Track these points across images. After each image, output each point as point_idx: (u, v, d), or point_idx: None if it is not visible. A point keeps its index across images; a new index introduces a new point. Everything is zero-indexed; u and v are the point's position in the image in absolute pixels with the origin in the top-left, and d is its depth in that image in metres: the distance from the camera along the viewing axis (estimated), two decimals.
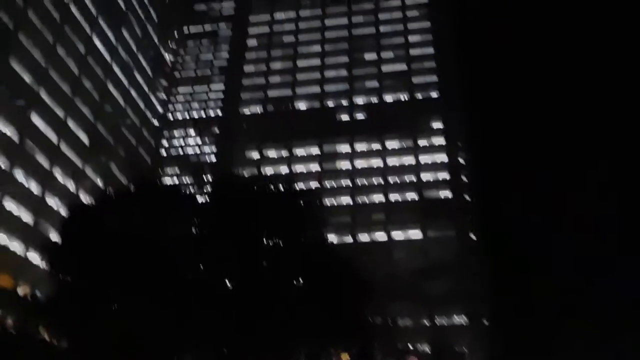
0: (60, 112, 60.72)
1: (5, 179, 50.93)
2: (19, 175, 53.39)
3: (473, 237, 73.40)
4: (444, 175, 79.98)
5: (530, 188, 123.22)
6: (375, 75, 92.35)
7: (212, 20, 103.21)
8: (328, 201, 79.63)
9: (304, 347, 28.57)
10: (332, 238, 70.07)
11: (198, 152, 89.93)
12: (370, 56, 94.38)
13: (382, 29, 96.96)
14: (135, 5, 79.79)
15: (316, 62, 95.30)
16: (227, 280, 28.45)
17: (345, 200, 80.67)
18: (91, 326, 25.32)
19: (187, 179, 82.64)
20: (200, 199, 33.21)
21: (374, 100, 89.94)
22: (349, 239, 74.61)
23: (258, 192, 30.37)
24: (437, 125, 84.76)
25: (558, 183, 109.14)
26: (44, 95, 57.97)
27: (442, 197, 78.15)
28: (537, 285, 75.61)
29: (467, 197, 77.39)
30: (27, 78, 55.36)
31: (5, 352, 29.03)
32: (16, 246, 51.11)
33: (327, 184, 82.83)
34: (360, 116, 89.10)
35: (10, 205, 51.47)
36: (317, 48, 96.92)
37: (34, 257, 48.98)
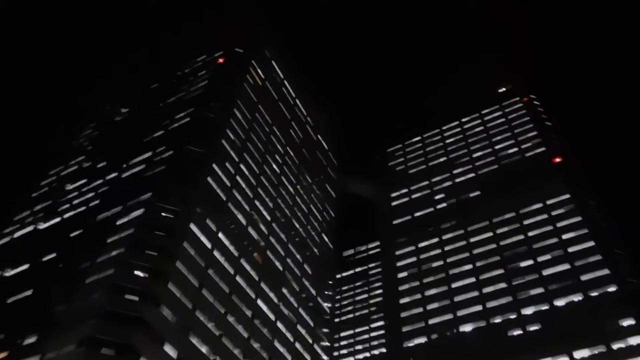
0: None
1: None
2: None
3: None
4: None
5: None
6: (537, 281, 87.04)
7: (361, 262, 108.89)
8: None
9: None
10: None
11: None
12: (526, 263, 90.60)
13: (531, 233, 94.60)
14: (291, 265, 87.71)
15: (471, 280, 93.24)
16: None
17: None
18: None
19: None
20: None
21: (544, 307, 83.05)
22: None
23: None
24: (627, 322, 74.39)
25: None
26: None
27: None
28: None
29: None
30: (204, 350, 60.57)
31: None
32: None
33: None
34: (534, 327, 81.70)
35: None
36: (468, 266, 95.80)
37: None
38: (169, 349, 55.40)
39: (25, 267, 72.51)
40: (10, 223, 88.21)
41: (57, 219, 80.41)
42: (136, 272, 58.85)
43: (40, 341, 55.10)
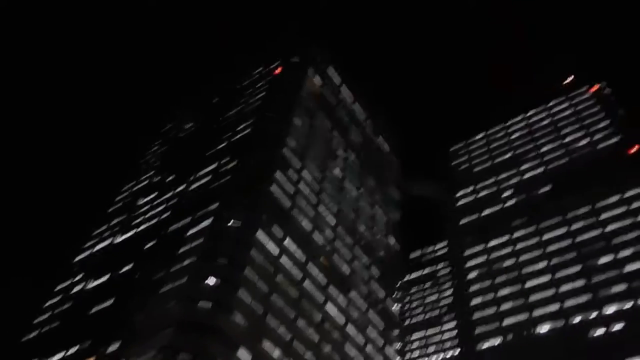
0: None
1: None
2: None
3: None
4: None
5: None
6: (619, 277, 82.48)
7: (429, 263, 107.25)
8: None
9: None
10: None
11: None
12: (605, 259, 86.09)
13: (609, 228, 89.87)
14: (358, 268, 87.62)
15: (546, 278, 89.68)
16: None
17: None
18: None
19: None
20: None
21: (628, 305, 78.49)
22: None
23: None
24: None
25: None
26: None
27: None
28: None
29: None
30: (276, 354, 61.58)
31: None
32: None
33: None
34: (617, 327, 77.40)
35: None
36: (542, 264, 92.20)
37: None
38: (243, 354, 56.74)
39: (105, 278, 76.52)
40: (89, 238, 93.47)
41: (132, 232, 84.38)
42: (207, 281, 60.76)
43: (123, 348, 57.87)
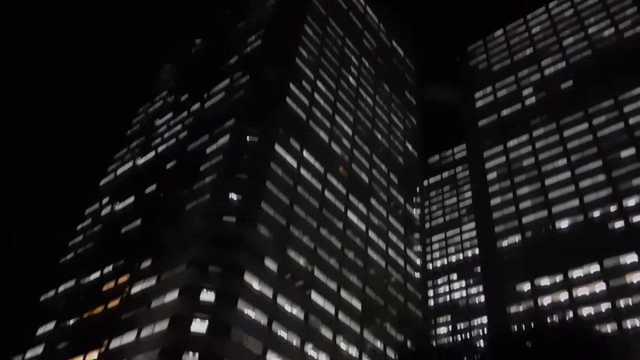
0: (333, 286, 67.33)
1: (300, 354, 56.90)
2: (310, 349, 59.07)
3: None
4: None
5: None
6: None
7: (447, 167, 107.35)
8: (629, 323, 68.56)
9: None
10: None
11: (465, 295, 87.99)
12: (627, 152, 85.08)
13: (632, 120, 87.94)
14: (376, 176, 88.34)
15: (566, 175, 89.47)
16: None
17: None
18: None
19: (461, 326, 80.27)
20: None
21: None
22: None
23: (537, 331, 27.24)
24: None
25: None
26: (317, 274, 65.61)
27: None
28: None
29: None
30: (302, 262, 64.01)
31: None
32: None
33: (622, 303, 71.59)
34: (637, 218, 78.01)
35: None
36: (562, 161, 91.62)
37: None
38: (270, 263, 59.08)
39: (131, 200, 78.70)
40: (111, 161, 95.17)
41: (152, 153, 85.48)
42: (230, 196, 62.09)
43: (155, 264, 60.64)
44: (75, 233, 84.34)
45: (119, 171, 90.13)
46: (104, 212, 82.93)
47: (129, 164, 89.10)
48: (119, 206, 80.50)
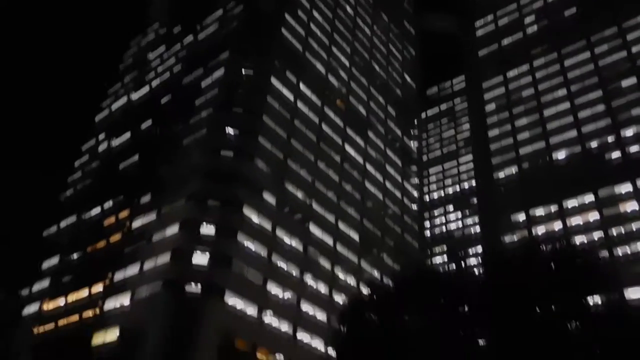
0: (331, 218, 68.33)
1: (299, 284, 58.62)
2: (309, 279, 60.76)
3: None
4: None
5: None
6: None
7: (446, 99, 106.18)
8: (621, 250, 70.18)
9: None
10: (632, 293, 60.87)
11: (461, 225, 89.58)
12: (628, 82, 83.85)
13: (635, 48, 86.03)
14: (374, 108, 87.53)
15: (565, 106, 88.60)
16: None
17: None
18: None
19: (455, 257, 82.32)
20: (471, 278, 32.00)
21: None
22: None
23: (530, 257, 27.80)
24: None
25: None
26: (315, 207, 66.39)
27: None
28: None
29: None
30: (300, 195, 64.59)
31: None
32: (317, 343, 57.12)
33: (614, 231, 73.01)
34: (634, 149, 78.08)
35: (306, 306, 58.55)
36: (562, 91, 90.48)
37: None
38: (268, 197, 59.61)
39: (127, 135, 78.23)
40: (105, 96, 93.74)
41: (147, 88, 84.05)
42: (227, 130, 61.67)
43: (154, 199, 61.14)
44: (73, 169, 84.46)
45: (114, 107, 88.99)
46: (101, 148, 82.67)
47: (124, 99, 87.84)
48: (115, 142, 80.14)
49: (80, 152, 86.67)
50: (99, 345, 52.64)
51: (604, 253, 71.11)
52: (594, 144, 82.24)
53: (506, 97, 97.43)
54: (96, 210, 70.47)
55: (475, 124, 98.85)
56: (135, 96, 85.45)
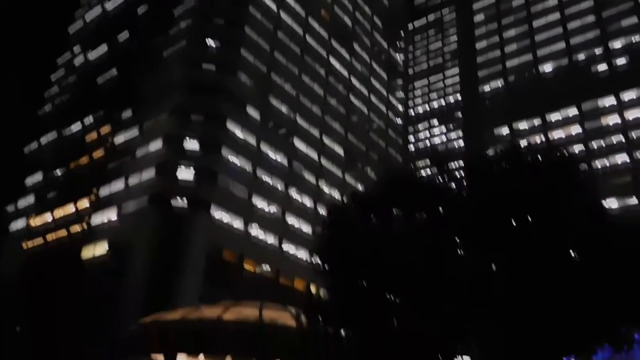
0: (316, 133, 68.07)
1: (284, 198, 59.42)
2: (294, 193, 61.54)
3: None
4: None
5: None
6: (632, 10, 79.22)
7: (434, 9, 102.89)
8: (600, 162, 71.60)
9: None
10: (611, 203, 62.72)
11: (445, 140, 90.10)
12: None
13: None
14: (360, 19, 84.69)
15: (555, 16, 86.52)
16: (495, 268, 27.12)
17: (621, 158, 70.88)
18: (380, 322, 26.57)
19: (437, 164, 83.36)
20: (454, 186, 32.25)
21: (635, 39, 77.14)
22: (632, 201, 65.19)
23: (513, 165, 27.83)
24: None
25: None
26: (300, 121, 65.89)
27: None
28: None
29: None
30: (284, 109, 63.81)
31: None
32: (302, 254, 58.90)
33: (595, 144, 74.14)
34: (621, 61, 77.46)
35: (291, 219, 59.76)
36: (553, 1, 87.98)
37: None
38: (252, 111, 58.81)
39: (104, 48, 75.22)
40: (78, 5, 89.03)
41: None
42: (208, 42, 59.55)
43: (136, 114, 60.02)
44: (49, 84, 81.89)
45: (87, 17, 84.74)
46: (77, 61, 79.70)
47: (98, 9, 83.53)
48: (92, 55, 77.20)
49: (55, 65, 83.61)
50: (89, 259, 53.72)
51: (583, 166, 72.61)
52: (581, 56, 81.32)
53: (496, 7, 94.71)
54: (77, 126, 69.22)
55: (463, 36, 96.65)
56: (109, 5, 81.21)
